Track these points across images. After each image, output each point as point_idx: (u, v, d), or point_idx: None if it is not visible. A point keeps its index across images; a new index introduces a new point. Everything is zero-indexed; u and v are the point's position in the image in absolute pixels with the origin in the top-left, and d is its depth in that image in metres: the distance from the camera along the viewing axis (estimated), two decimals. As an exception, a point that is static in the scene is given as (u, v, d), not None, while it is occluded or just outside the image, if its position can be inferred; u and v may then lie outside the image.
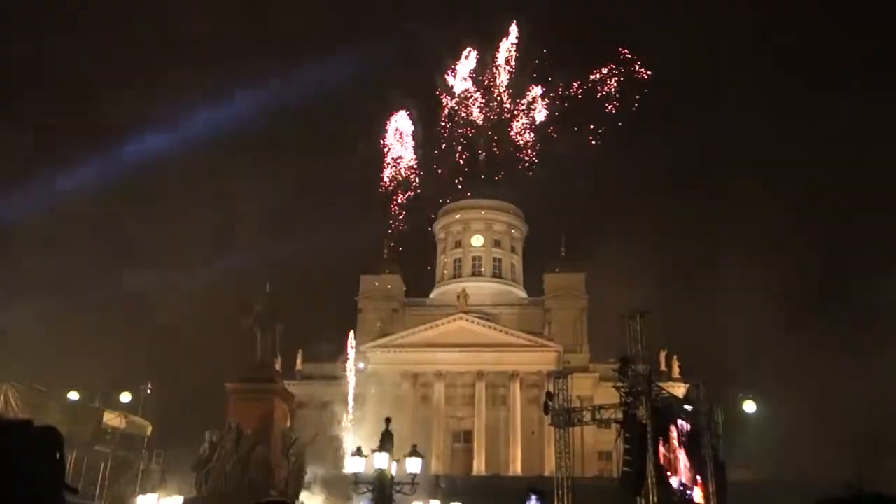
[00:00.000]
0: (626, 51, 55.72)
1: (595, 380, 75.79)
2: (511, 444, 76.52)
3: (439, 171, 56.40)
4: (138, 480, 50.05)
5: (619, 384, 32.34)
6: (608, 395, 47.26)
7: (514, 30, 54.34)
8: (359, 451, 25.83)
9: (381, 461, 24.70)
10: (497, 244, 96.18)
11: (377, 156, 51.68)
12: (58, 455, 3.39)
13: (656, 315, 36.66)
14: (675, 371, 76.20)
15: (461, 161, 55.68)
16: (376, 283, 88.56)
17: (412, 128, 53.37)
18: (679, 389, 57.26)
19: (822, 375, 66.70)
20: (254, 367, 31.48)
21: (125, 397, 59.37)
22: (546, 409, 36.56)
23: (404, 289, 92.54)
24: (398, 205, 54.46)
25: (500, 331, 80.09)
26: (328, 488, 34.41)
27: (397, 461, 25.99)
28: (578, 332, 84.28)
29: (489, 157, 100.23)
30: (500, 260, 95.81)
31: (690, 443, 34.17)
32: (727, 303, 77.63)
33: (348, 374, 76.17)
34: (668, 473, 31.38)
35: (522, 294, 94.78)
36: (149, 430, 59.38)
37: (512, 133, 55.35)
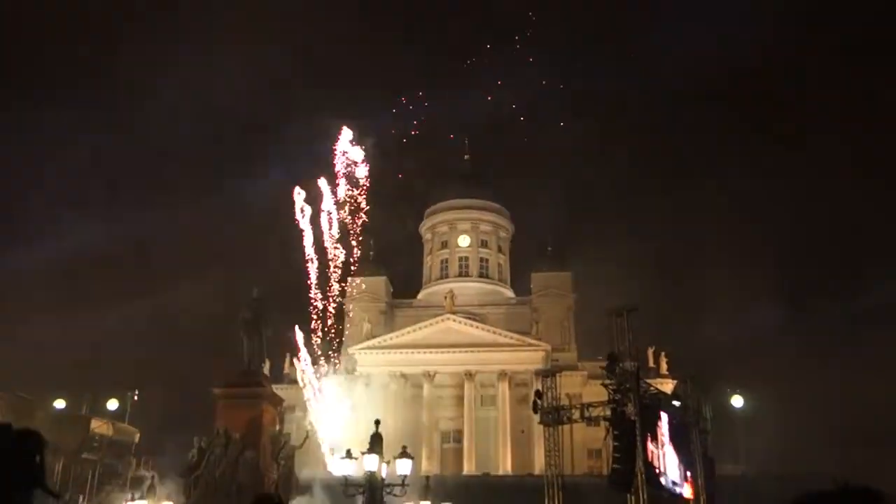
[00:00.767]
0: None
1: (583, 378, 76.00)
2: (501, 443, 76.57)
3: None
4: (127, 487, 49.75)
5: (608, 381, 32.43)
6: (597, 392, 47.34)
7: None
8: (348, 454, 25.78)
9: (371, 463, 24.66)
10: (484, 244, 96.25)
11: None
12: (38, 458, 3.36)
13: (643, 312, 36.75)
14: (663, 367, 76.57)
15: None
16: (363, 285, 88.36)
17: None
18: (667, 385, 57.67)
19: (810, 370, 67.25)
20: (241, 371, 31.32)
21: (112, 404, 59.10)
22: (535, 408, 36.61)
23: (391, 290, 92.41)
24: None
25: (488, 330, 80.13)
26: (329, 492, 34.18)
27: (387, 463, 25.95)
28: (566, 331, 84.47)
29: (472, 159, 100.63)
30: (486, 260, 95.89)
31: (679, 438, 34.30)
32: (714, 299, 78.19)
33: (337, 376, 76.01)
34: (658, 471, 31.49)
35: (510, 293, 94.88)
36: (136, 436, 59.13)
37: None
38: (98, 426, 54.09)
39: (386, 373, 78.74)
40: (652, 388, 35.69)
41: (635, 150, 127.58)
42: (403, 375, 78.92)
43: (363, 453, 25.02)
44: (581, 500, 38.08)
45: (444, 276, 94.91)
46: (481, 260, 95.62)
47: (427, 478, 41.96)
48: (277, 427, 31.45)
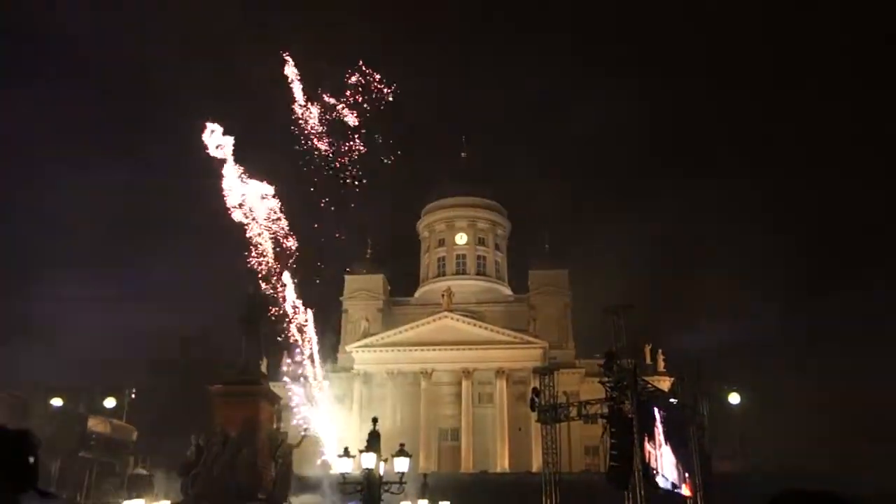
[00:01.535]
0: None
1: (581, 375, 76.09)
2: (498, 440, 76.60)
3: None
4: (124, 485, 49.73)
5: (605, 379, 32.49)
6: (594, 390, 47.44)
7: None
8: (346, 452, 25.77)
9: (369, 461, 24.64)
10: (481, 242, 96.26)
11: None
12: (31, 459, 3.34)
13: (640, 309, 36.87)
14: (660, 365, 76.62)
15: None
16: (361, 283, 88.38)
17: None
18: (664, 383, 57.66)
19: (806, 368, 67.38)
20: (238, 369, 31.28)
21: (109, 402, 59.01)
22: (532, 406, 36.66)
23: (389, 288, 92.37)
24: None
25: (486, 328, 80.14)
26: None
27: (385, 461, 25.94)
28: (563, 328, 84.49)
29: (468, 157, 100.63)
30: (484, 257, 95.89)
31: (676, 437, 34.35)
32: (711, 296, 78.25)
33: (335, 374, 76.08)
34: (655, 471, 31.51)
35: (507, 291, 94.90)
36: (134, 434, 59.07)
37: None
38: (95, 424, 54.03)
39: (383, 371, 78.74)
40: (649, 386, 35.74)
41: (634, 146, 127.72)
42: (401, 373, 78.91)
43: (361, 451, 25.00)
44: (578, 498, 38.13)
45: (441, 273, 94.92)
46: (478, 258, 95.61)
47: (425, 475, 42.06)
48: (275, 425, 31.40)
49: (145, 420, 61.36)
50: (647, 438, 31.12)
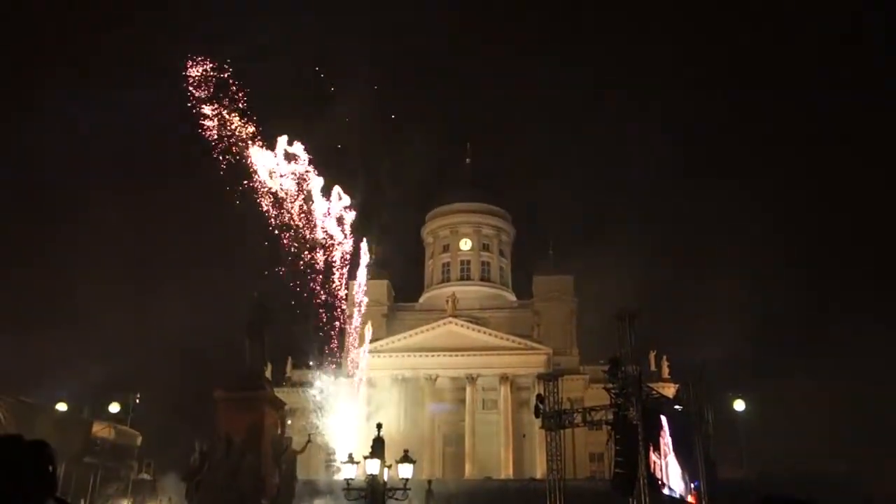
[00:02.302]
0: None
1: (585, 381, 75.97)
2: (502, 447, 76.44)
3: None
4: (128, 491, 49.73)
5: (610, 385, 32.37)
6: (598, 396, 47.28)
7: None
8: (350, 458, 25.76)
9: (373, 467, 24.63)
10: (485, 248, 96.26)
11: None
12: (50, 468, 3.41)
13: (645, 316, 36.72)
14: (665, 371, 76.48)
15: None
16: (365, 289, 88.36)
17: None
18: (669, 390, 57.48)
19: (811, 374, 67.13)
20: (243, 374, 31.28)
21: (114, 408, 59.05)
22: (537, 412, 36.53)
23: (393, 294, 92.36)
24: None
25: (490, 334, 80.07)
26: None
27: (389, 467, 25.92)
28: (568, 335, 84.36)
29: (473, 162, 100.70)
30: (488, 263, 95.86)
31: (681, 444, 34.21)
32: (716, 302, 77.98)
33: (339, 380, 75.98)
34: (661, 482, 31.36)
35: (511, 297, 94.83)
36: (138, 440, 58.99)
37: None
38: (100, 430, 54.00)
39: (387, 377, 78.66)
40: (654, 392, 35.62)
41: (637, 151, 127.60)
42: (405, 379, 78.83)
43: (365, 457, 24.99)
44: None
45: (445, 279, 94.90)
46: (483, 263, 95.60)
47: (429, 482, 42.00)
48: (279, 431, 31.39)
49: (150, 425, 61.38)
50: (651, 450, 30.97)
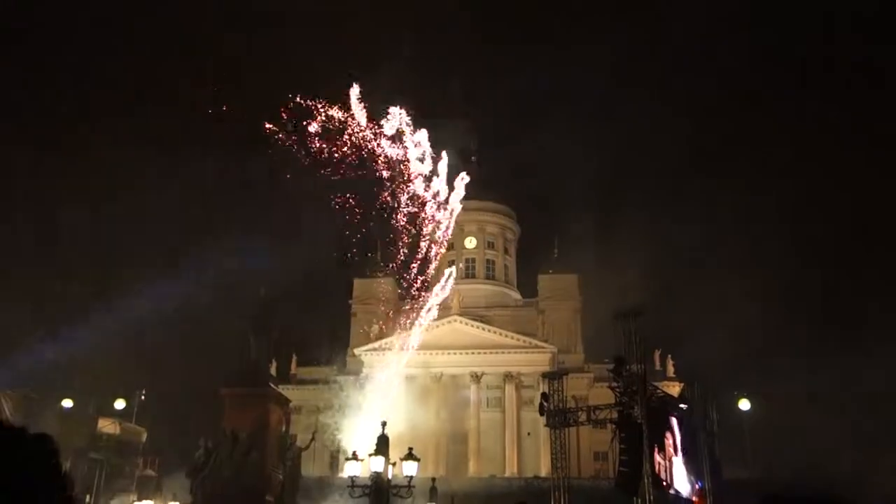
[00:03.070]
0: None
1: (590, 380, 75.93)
2: (507, 445, 76.46)
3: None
4: (133, 487, 49.89)
5: (614, 384, 32.37)
6: (603, 395, 47.32)
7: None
8: (354, 456, 25.77)
9: (378, 465, 24.63)
10: (490, 246, 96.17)
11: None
12: (53, 462, 3.41)
13: (650, 315, 36.57)
14: (670, 370, 76.34)
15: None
16: (369, 287, 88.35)
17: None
18: (674, 389, 57.41)
19: (816, 373, 66.86)
20: (248, 371, 31.33)
21: (119, 404, 59.20)
22: (541, 410, 36.52)
23: (398, 291, 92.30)
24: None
25: (495, 332, 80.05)
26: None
27: (393, 464, 25.92)
28: (573, 333, 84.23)
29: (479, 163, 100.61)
30: (493, 262, 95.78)
31: (686, 444, 34.18)
32: (722, 302, 77.74)
33: (343, 377, 76.19)
34: (665, 483, 31.31)
35: (516, 295, 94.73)
36: (143, 436, 59.25)
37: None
38: (105, 425, 54.21)
39: (392, 374, 78.65)
40: (659, 391, 35.58)
41: (644, 149, 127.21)
42: (409, 377, 78.83)
43: (369, 455, 24.99)
44: None
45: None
46: (488, 262, 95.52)
47: (433, 480, 42.00)
48: (284, 428, 31.45)
49: (155, 422, 61.56)
50: (656, 451, 30.91)
